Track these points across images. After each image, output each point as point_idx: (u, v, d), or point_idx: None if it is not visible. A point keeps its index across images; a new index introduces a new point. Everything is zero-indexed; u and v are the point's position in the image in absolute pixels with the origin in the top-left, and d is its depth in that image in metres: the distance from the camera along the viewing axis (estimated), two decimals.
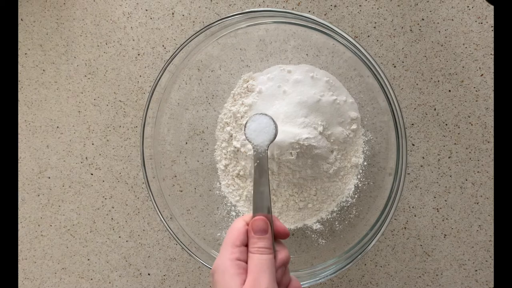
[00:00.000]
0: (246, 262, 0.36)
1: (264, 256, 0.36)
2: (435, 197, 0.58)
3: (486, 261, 0.58)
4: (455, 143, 0.57)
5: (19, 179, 0.64)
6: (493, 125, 0.56)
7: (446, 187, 0.58)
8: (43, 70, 0.63)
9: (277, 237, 0.40)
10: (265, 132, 0.40)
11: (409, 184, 0.58)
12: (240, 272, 0.35)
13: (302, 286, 0.47)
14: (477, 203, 0.57)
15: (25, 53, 0.63)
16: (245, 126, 0.41)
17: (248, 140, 0.41)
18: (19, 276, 0.64)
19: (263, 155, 0.40)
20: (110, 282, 0.63)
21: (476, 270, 0.58)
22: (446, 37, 0.57)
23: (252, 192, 0.39)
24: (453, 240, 0.58)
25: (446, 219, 0.58)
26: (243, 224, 0.38)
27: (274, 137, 0.40)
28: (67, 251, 0.64)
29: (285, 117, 0.51)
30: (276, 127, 0.40)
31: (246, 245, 0.37)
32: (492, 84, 0.56)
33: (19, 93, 0.63)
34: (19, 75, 0.63)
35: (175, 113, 0.56)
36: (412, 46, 0.57)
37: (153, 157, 0.53)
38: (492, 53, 0.56)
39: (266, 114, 0.41)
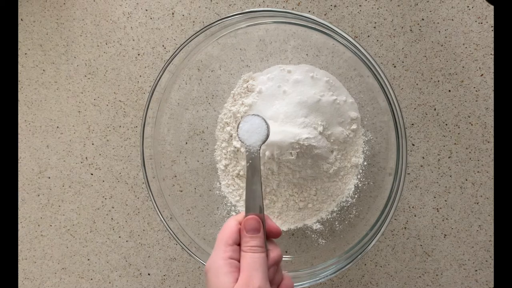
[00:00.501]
0: (239, 261, 0.36)
1: (256, 254, 0.36)
2: (435, 197, 0.58)
3: (486, 261, 0.58)
4: (455, 143, 0.57)
5: (19, 179, 0.64)
6: (493, 125, 0.56)
7: (446, 187, 0.58)
8: (43, 70, 0.63)
9: (269, 236, 0.40)
10: (257, 132, 0.41)
11: (409, 184, 0.58)
12: (233, 271, 0.35)
13: (302, 286, 0.47)
14: (477, 203, 0.57)
15: (25, 53, 0.63)
16: (237, 127, 0.42)
17: (240, 140, 0.41)
18: (19, 276, 0.64)
19: (255, 155, 0.41)
20: (110, 282, 0.63)
21: (476, 270, 0.58)
22: (446, 37, 0.57)
23: (245, 191, 0.39)
24: (453, 240, 0.58)
25: (446, 219, 0.58)
26: (236, 223, 0.39)
27: (266, 138, 0.41)
28: (67, 251, 0.64)
29: (285, 117, 0.51)
30: (268, 127, 0.41)
31: (239, 244, 0.38)
32: (492, 84, 0.56)
33: (19, 93, 0.63)
34: (19, 75, 0.63)
35: (175, 113, 0.56)
36: (412, 46, 0.57)
37: (153, 157, 0.53)
38: (492, 53, 0.56)
39: (258, 115, 0.41)
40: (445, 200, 0.58)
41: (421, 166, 0.58)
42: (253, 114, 0.42)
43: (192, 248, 0.51)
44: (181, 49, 0.50)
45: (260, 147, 0.41)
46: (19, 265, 0.64)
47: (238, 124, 0.42)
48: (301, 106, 0.51)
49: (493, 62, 0.56)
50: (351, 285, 0.60)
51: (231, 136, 0.56)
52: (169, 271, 0.62)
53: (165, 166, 0.55)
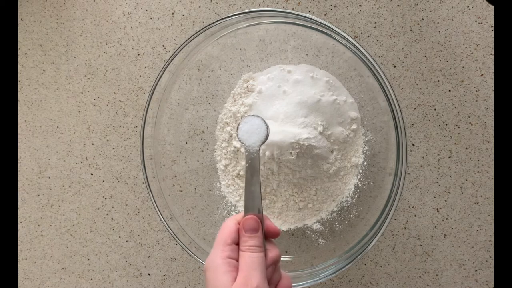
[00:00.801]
0: (237, 260, 0.37)
1: (255, 254, 0.36)
2: (435, 197, 0.58)
3: (486, 261, 0.58)
4: (455, 143, 0.57)
5: (19, 179, 0.64)
6: (493, 125, 0.56)
7: (446, 187, 0.58)
8: (43, 70, 0.63)
9: (268, 236, 0.40)
10: (257, 133, 0.42)
11: (409, 184, 0.58)
12: (231, 270, 0.35)
13: (302, 286, 0.47)
14: (477, 203, 0.57)
15: (25, 53, 0.63)
16: (237, 128, 0.42)
17: (240, 141, 0.42)
18: (19, 276, 0.64)
19: (254, 155, 0.41)
20: (110, 282, 0.63)
21: (476, 270, 0.58)
22: (446, 37, 0.57)
23: (244, 191, 0.40)
24: (453, 240, 0.58)
25: (446, 219, 0.58)
26: (235, 223, 0.39)
27: (266, 138, 0.42)
28: (67, 251, 0.64)
29: (285, 117, 0.51)
30: (267, 128, 0.41)
31: (237, 244, 0.38)
32: (492, 84, 0.56)
33: (19, 93, 0.63)
34: (19, 75, 0.63)
35: (175, 113, 0.56)
36: (412, 46, 0.57)
37: (153, 157, 0.53)
38: (492, 53, 0.56)
39: (258, 116, 0.42)
40: (445, 200, 0.58)
41: (421, 166, 0.58)
42: (252, 115, 0.42)
43: (192, 248, 0.51)
44: (181, 49, 0.50)
45: (260, 148, 0.41)
46: (19, 265, 0.64)
47: (238, 125, 0.42)
48: (301, 106, 0.51)
49: (493, 62, 0.56)
50: (351, 285, 0.60)
51: (231, 136, 0.56)
52: (169, 271, 0.62)
53: (165, 166, 0.55)
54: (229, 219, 0.39)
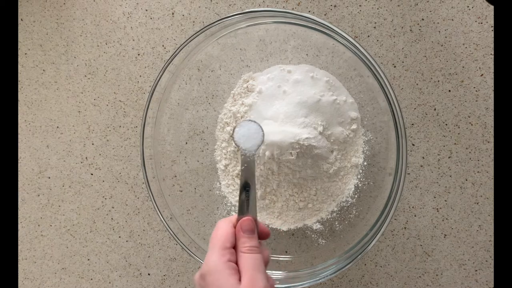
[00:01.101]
0: (236, 263, 0.37)
1: (255, 255, 0.37)
2: (435, 197, 0.58)
3: (486, 261, 0.58)
4: (455, 143, 0.57)
5: (19, 179, 0.64)
6: (493, 125, 0.56)
7: (446, 187, 0.58)
8: (43, 70, 0.63)
9: (260, 237, 0.41)
10: (254, 138, 0.43)
11: (409, 184, 0.58)
12: (233, 273, 0.35)
13: (302, 286, 0.47)
14: (477, 203, 0.57)
15: (25, 53, 0.63)
16: (233, 131, 0.43)
17: (236, 144, 0.43)
18: (19, 276, 0.64)
19: (251, 159, 0.42)
20: (110, 282, 0.63)
21: (476, 270, 0.58)
22: (446, 37, 0.57)
23: (239, 193, 0.40)
24: (453, 240, 0.58)
25: (446, 219, 0.58)
26: (231, 225, 0.39)
27: (261, 143, 0.43)
28: (67, 251, 0.64)
29: (285, 117, 0.51)
30: (263, 134, 0.43)
31: (233, 247, 0.38)
32: (492, 84, 0.56)
33: (19, 93, 0.63)
34: (19, 75, 0.63)
35: (175, 113, 0.56)
36: (412, 46, 0.57)
37: (153, 157, 0.53)
38: (492, 53, 0.56)
39: (254, 121, 0.43)
40: (445, 200, 0.58)
41: (421, 166, 0.58)
42: (249, 120, 0.43)
43: (192, 248, 0.51)
44: (181, 49, 0.50)
45: (256, 152, 0.42)
46: (19, 265, 0.64)
47: (234, 129, 0.43)
48: (301, 106, 0.51)
49: (493, 62, 0.56)
50: (351, 285, 0.60)
51: (231, 136, 0.56)
52: (169, 271, 0.62)
53: (165, 166, 0.55)
54: (222, 221, 0.39)
